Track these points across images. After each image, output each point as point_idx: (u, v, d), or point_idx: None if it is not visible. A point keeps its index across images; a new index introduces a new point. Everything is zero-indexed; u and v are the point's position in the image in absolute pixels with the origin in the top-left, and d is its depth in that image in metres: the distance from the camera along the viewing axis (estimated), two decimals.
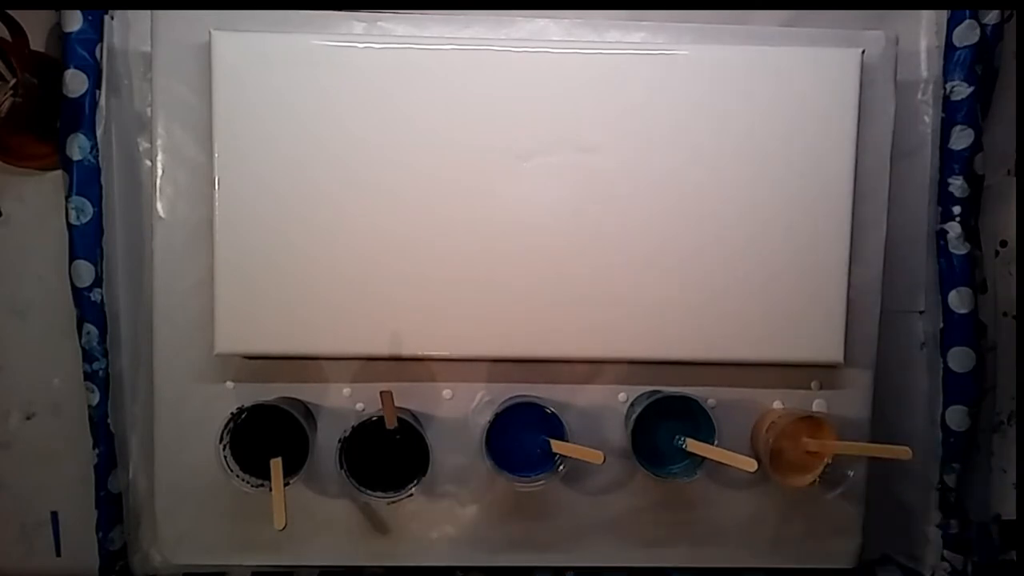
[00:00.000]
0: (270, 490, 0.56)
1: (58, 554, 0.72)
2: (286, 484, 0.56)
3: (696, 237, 0.61)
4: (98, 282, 0.66)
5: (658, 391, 0.62)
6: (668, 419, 0.62)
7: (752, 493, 0.66)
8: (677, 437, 0.61)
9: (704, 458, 0.59)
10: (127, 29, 0.67)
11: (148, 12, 0.63)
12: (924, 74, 0.70)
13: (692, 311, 0.62)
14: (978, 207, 0.70)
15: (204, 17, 0.61)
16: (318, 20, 0.63)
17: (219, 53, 0.59)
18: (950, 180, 0.68)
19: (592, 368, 0.65)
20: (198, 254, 0.62)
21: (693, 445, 0.59)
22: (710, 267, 0.61)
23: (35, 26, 0.66)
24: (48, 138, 0.66)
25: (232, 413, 0.58)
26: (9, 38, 0.62)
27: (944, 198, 0.69)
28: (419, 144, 0.60)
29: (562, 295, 0.61)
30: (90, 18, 0.65)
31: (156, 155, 0.63)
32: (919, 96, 0.70)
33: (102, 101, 0.66)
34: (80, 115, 0.65)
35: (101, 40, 0.65)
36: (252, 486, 0.58)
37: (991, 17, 0.67)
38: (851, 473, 0.61)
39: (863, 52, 0.61)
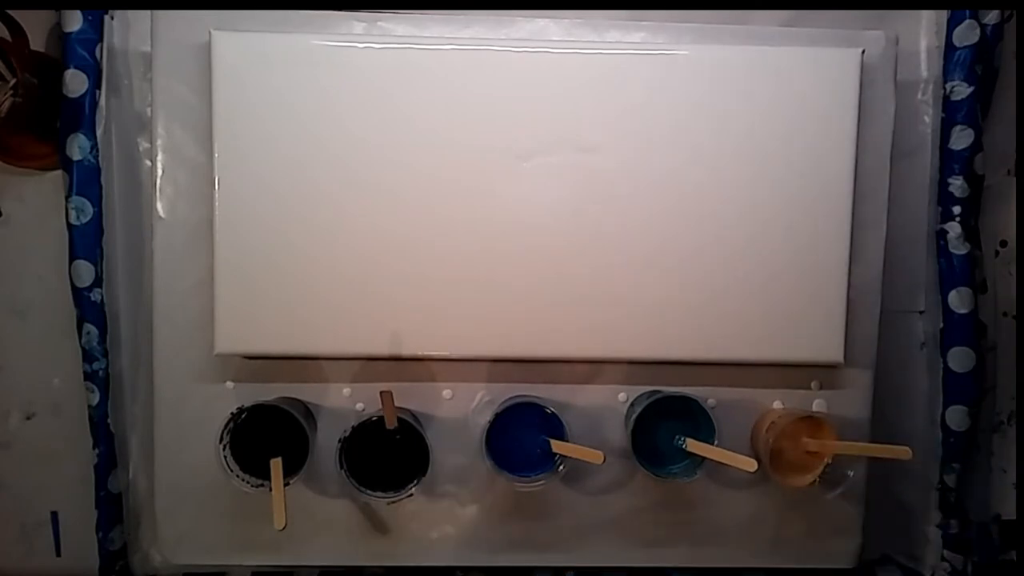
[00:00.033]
0: (270, 490, 0.56)
1: (58, 554, 0.72)
2: (286, 484, 0.56)
3: (696, 237, 0.61)
4: (98, 282, 0.66)
5: (658, 391, 0.62)
6: (668, 419, 0.62)
7: (752, 493, 0.66)
8: (677, 437, 0.61)
9: (704, 458, 0.59)
10: (127, 29, 0.67)
11: (148, 12, 0.63)
12: (924, 74, 0.70)
13: (692, 311, 0.62)
14: (978, 207, 0.70)
15: (204, 17, 0.61)
16: (318, 20, 0.63)
17: (219, 53, 0.59)
18: (950, 180, 0.68)
19: (592, 368, 0.65)
20: (198, 254, 0.62)
21: (693, 445, 0.59)
22: (710, 267, 0.61)
23: (35, 26, 0.66)
24: (48, 138, 0.66)
25: (232, 413, 0.58)
26: (9, 38, 0.62)
27: (944, 198, 0.69)
28: (419, 144, 0.60)
29: (562, 295, 0.61)
30: (90, 18, 0.65)
31: (156, 155, 0.63)
32: (919, 96, 0.70)
33: (102, 101, 0.66)
34: (80, 115, 0.65)
35: (101, 40, 0.65)
36: (252, 486, 0.58)
37: (991, 17, 0.67)
38: (851, 473, 0.61)
39: (863, 52, 0.61)
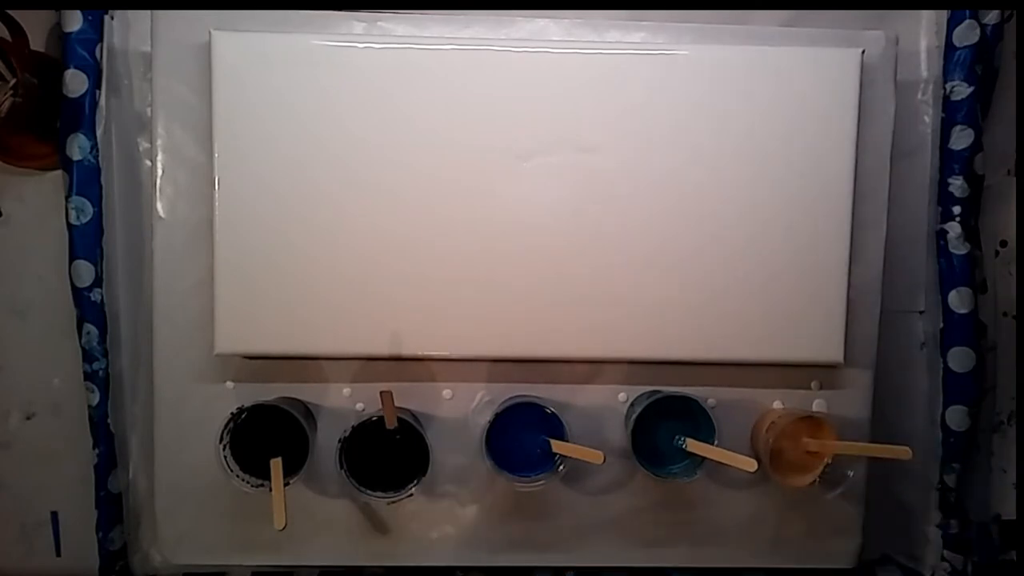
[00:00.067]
0: (270, 490, 0.56)
1: (58, 554, 0.72)
2: (286, 484, 0.56)
3: (696, 237, 0.61)
4: (98, 282, 0.66)
5: (658, 391, 0.62)
6: (668, 419, 0.62)
7: (752, 493, 0.66)
8: (677, 437, 0.61)
9: (704, 458, 0.59)
10: (127, 29, 0.67)
11: (148, 12, 0.63)
12: (924, 74, 0.70)
13: (692, 311, 0.62)
14: (978, 207, 0.70)
15: (204, 17, 0.61)
16: (318, 20, 0.63)
17: (219, 53, 0.59)
18: (950, 180, 0.68)
19: (592, 368, 0.65)
20: (198, 254, 0.62)
21: (693, 445, 0.59)
22: (710, 267, 0.61)
23: (35, 26, 0.66)
24: (48, 138, 0.66)
25: (232, 413, 0.58)
26: (9, 38, 0.62)
27: (944, 198, 0.69)
28: (419, 144, 0.60)
29: (562, 295, 0.61)
30: (90, 18, 0.65)
31: (156, 155, 0.63)
32: (919, 96, 0.70)
33: (102, 101, 0.66)
34: (80, 115, 0.65)
35: (101, 40, 0.65)
36: (252, 486, 0.58)
37: (991, 17, 0.67)
38: (851, 473, 0.61)
39: (863, 52, 0.61)
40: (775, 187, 0.61)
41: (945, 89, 0.68)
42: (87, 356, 0.66)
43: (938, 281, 0.69)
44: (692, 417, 0.61)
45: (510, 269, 0.61)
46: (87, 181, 0.65)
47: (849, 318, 0.62)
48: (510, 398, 0.63)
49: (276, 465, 0.56)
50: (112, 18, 0.66)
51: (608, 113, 0.61)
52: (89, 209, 0.65)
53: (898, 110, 0.65)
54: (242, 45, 0.60)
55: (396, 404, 0.57)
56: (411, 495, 0.59)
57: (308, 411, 0.64)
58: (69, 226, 0.65)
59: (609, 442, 0.64)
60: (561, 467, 0.60)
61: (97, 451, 0.68)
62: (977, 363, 0.68)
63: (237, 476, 0.58)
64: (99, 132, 0.66)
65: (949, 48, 0.68)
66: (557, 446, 0.59)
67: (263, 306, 0.60)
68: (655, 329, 0.62)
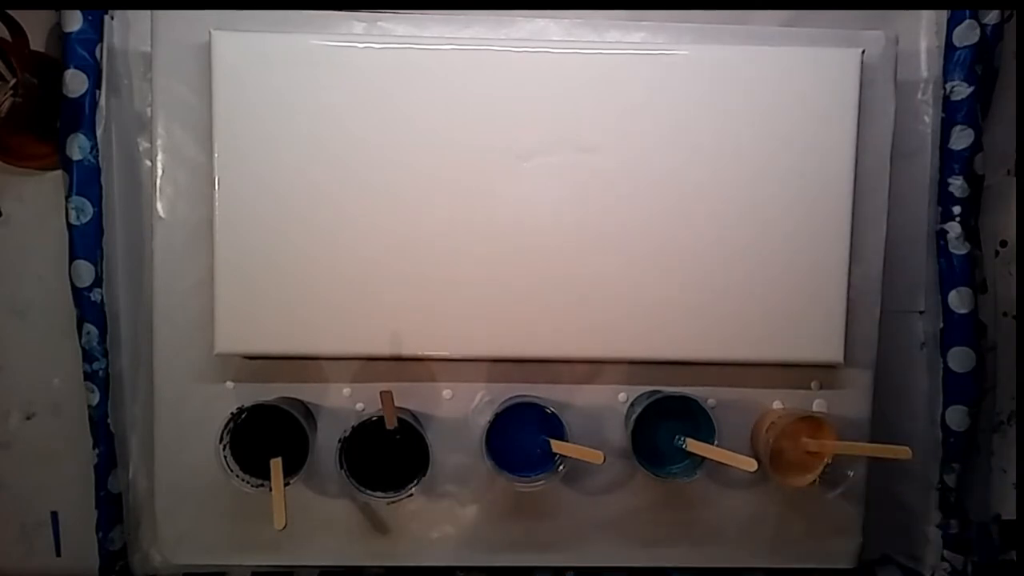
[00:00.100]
0: (270, 490, 0.56)
1: (58, 554, 0.72)
2: (286, 484, 0.56)
3: (696, 237, 0.61)
4: (98, 282, 0.66)
5: (658, 391, 0.62)
6: (668, 419, 0.62)
7: (752, 493, 0.66)
8: (677, 437, 0.61)
9: (704, 458, 0.59)
10: (127, 29, 0.67)
11: (148, 12, 0.63)
12: (924, 74, 0.70)
13: (692, 311, 0.62)
14: (978, 207, 0.70)
15: (204, 17, 0.61)
16: (318, 20, 0.63)
17: (219, 53, 0.59)
18: (950, 180, 0.68)
19: (592, 368, 0.65)
20: (198, 254, 0.62)
21: (693, 445, 0.59)
22: (710, 267, 0.61)
23: (35, 26, 0.66)
24: (48, 138, 0.66)
25: (232, 413, 0.58)
26: (9, 38, 0.62)
27: (944, 198, 0.69)
28: (419, 144, 0.60)
29: (562, 295, 0.61)
30: (90, 18, 0.65)
31: (156, 155, 0.63)
32: (919, 96, 0.70)
33: (102, 101, 0.66)
34: (80, 115, 0.65)
35: (101, 40, 0.65)
36: (252, 486, 0.58)
37: (991, 17, 0.67)
38: (851, 473, 0.61)
39: (863, 52, 0.61)
40: (775, 187, 0.61)
41: (945, 89, 0.68)
42: (87, 356, 0.66)
43: (938, 281, 0.69)
44: (692, 417, 0.61)
45: (510, 269, 0.61)
46: (87, 181, 0.65)
47: (849, 318, 0.62)
48: (510, 398, 0.63)
49: (276, 465, 0.56)
50: (112, 18, 0.66)
51: (608, 113, 0.61)
52: (89, 209, 0.65)
53: (898, 110, 0.65)
54: (242, 45, 0.60)
55: (396, 404, 0.57)
56: (411, 495, 0.59)
57: (308, 411, 0.64)
58: (69, 226, 0.65)
59: (609, 442, 0.64)
60: (561, 467, 0.60)
61: (97, 451, 0.68)
62: (977, 363, 0.68)
63: (237, 476, 0.58)
64: (99, 132, 0.66)
65: (949, 48, 0.68)
66: (557, 446, 0.59)
67: (263, 306, 0.60)
68: (655, 329, 0.62)
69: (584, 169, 0.61)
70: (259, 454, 0.58)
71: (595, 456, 0.57)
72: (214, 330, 0.60)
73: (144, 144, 0.68)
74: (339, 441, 0.59)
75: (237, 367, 0.64)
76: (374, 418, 0.59)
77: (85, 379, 0.67)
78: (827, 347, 0.62)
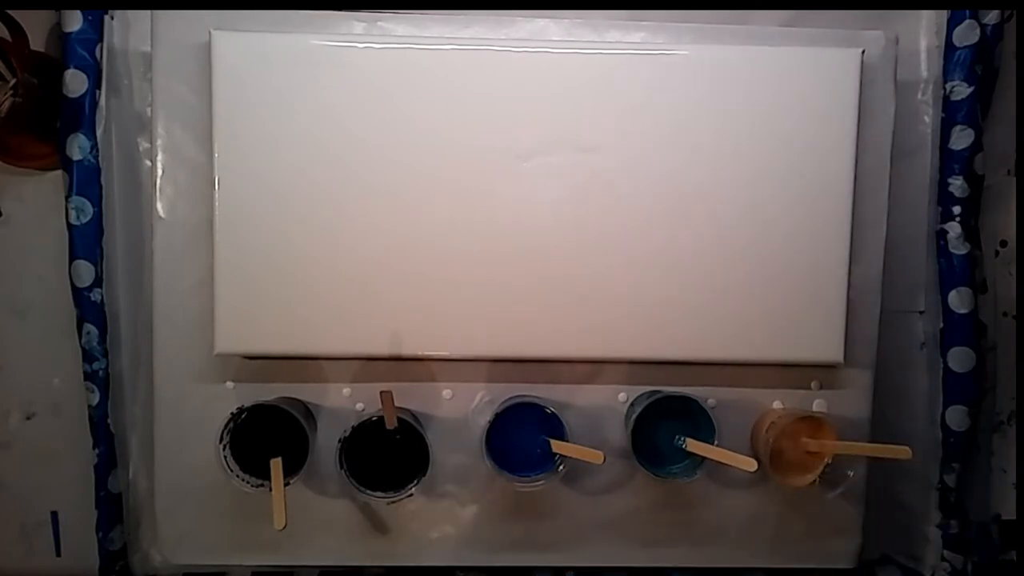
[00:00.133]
0: (270, 490, 0.56)
1: (58, 554, 0.72)
2: (286, 484, 0.56)
3: (696, 237, 0.61)
4: (98, 282, 0.66)
5: (658, 391, 0.62)
6: (668, 419, 0.61)
7: (752, 493, 0.66)
8: (677, 437, 0.61)
9: (704, 458, 0.59)
10: (127, 29, 0.67)
11: (148, 12, 0.63)
12: (924, 74, 0.70)
13: (692, 311, 0.62)
14: (978, 207, 0.70)
15: (204, 17, 0.61)
16: (318, 20, 0.63)
17: (219, 53, 0.59)
18: (950, 180, 0.68)
19: (592, 368, 0.65)
20: (198, 254, 0.62)
21: (693, 445, 0.59)
22: (710, 267, 0.61)
23: (35, 26, 0.66)
24: (48, 138, 0.66)
25: (232, 413, 0.58)
26: (9, 38, 0.62)
27: (944, 198, 0.69)
28: (419, 144, 0.60)
29: (562, 295, 0.61)
30: (90, 18, 0.65)
31: (156, 155, 0.63)
32: (919, 96, 0.70)
33: (102, 101, 0.66)
34: (80, 115, 0.65)
35: (101, 40, 0.65)
36: (252, 486, 0.58)
37: (991, 17, 0.67)
38: (851, 473, 0.61)
39: (863, 52, 0.61)
40: (775, 187, 0.61)
41: (945, 89, 0.68)
42: (87, 356, 0.66)
43: (938, 281, 0.69)
44: (692, 417, 0.61)
45: (510, 269, 0.61)
46: (87, 181, 0.65)
47: (849, 318, 0.62)
48: (510, 398, 0.63)
49: (276, 465, 0.56)
50: (112, 18, 0.66)
51: (608, 113, 0.61)
52: (89, 209, 0.65)
53: (898, 110, 0.65)
54: (242, 45, 0.60)
55: (396, 404, 0.57)
56: (411, 495, 0.59)
57: (308, 411, 0.64)
58: (69, 226, 0.65)
59: (609, 442, 0.64)
60: (561, 467, 0.60)
61: (97, 451, 0.68)
62: (977, 363, 0.68)
63: (237, 476, 0.58)
64: (99, 132, 0.66)
65: (949, 48, 0.68)
66: (557, 446, 0.59)
67: (263, 306, 0.60)
68: (655, 329, 0.62)
69: (584, 169, 0.61)
70: (259, 454, 0.58)
71: (595, 456, 0.57)
72: (214, 330, 0.60)
73: (144, 144, 0.68)
74: (339, 441, 0.59)
75: (237, 367, 0.64)
76: (374, 418, 0.59)
77: (85, 379, 0.67)
78: (827, 347, 0.62)
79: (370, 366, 0.64)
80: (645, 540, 0.67)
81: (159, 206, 0.63)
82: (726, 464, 0.58)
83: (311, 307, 0.61)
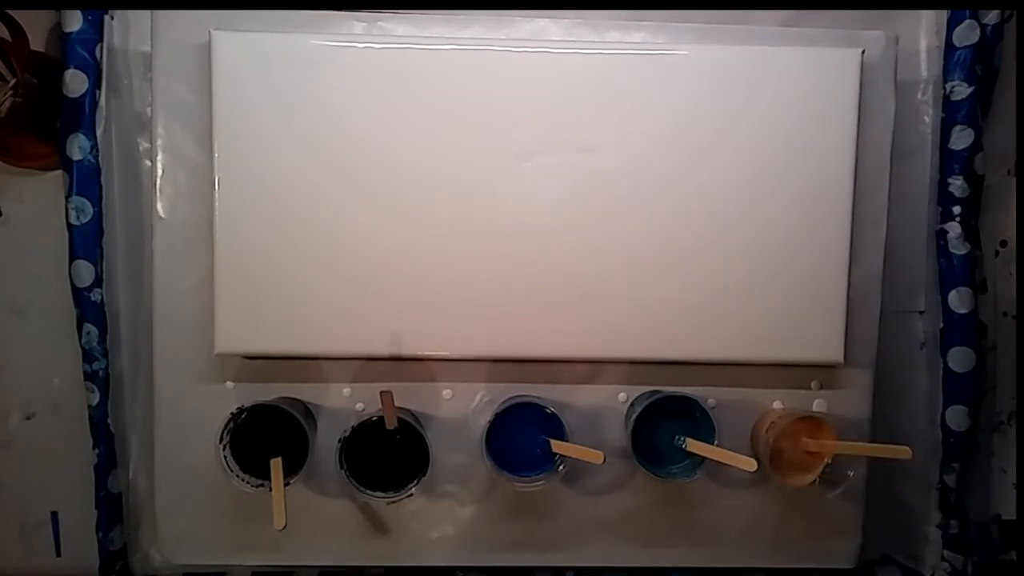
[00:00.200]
0: (270, 490, 0.56)
1: (58, 554, 0.72)
2: (286, 484, 0.56)
3: (696, 237, 0.61)
4: (98, 282, 0.66)
5: (658, 391, 0.62)
6: (668, 419, 0.62)
7: (752, 493, 0.66)
8: (677, 437, 0.61)
9: (704, 458, 0.59)
10: (127, 29, 0.67)
11: (148, 12, 0.63)
12: (924, 74, 0.70)
13: (692, 311, 0.62)
14: (978, 207, 0.70)
15: (204, 17, 0.61)
16: (318, 20, 0.63)
17: (219, 53, 0.59)
18: (950, 180, 0.68)
19: (592, 368, 0.65)
20: (198, 254, 0.62)
21: (693, 445, 0.59)
22: (710, 267, 0.61)
23: (35, 26, 0.66)
24: (48, 138, 0.66)
25: (232, 413, 0.58)
26: (9, 38, 0.62)
27: (944, 198, 0.69)
28: (419, 144, 0.60)
29: (562, 295, 0.61)
30: (90, 18, 0.65)
31: (156, 155, 0.63)
32: (919, 96, 0.70)
33: (102, 101, 0.66)
34: (80, 115, 0.65)
35: (101, 40, 0.65)
36: (252, 486, 0.58)
37: (991, 17, 0.67)
38: (851, 473, 0.61)
39: (863, 52, 0.61)
40: (775, 187, 0.61)
41: (945, 89, 0.68)
42: (87, 356, 0.66)
43: (938, 281, 0.69)
44: (692, 417, 0.61)
45: (510, 269, 0.61)
46: (87, 181, 0.65)
47: (849, 318, 0.62)
48: (510, 398, 0.63)
49: (276, 465, 0.56)
50: (112, 18, 0.66)
51: (608, 113, 0.61)
52: (89, 209, 0.65)
53: (898, 110, 0.65)
54: (242, 45, 0.60)
55: (396, 404, 0.57)
56: (411, 495, 0.59)
57: (308, 411, 0.64)
58: (69, 226, 0.65)
59: (609, 442, 0.64)
60: (561, 467, 0.60)
61: (97, 451, 0.68)
62: (977, 363, 0.68)
63: (237, 476, 0.58)
64: (99, 132, 0.66)
65: (949, 48, 0.68)
66: (557, 446, 0.59)
67: (263, 306, 0.60)
68: (655, 329, 0.62)
69: (584, 169, 0.61)
70: (259, 454, 0.58)
71: (595, 456, 0.57)
72: (214, 330, 0.60)
73: (144, 144, 0.68)
74: (339, 441, 0.59)
75: (237, 367, 0.64)
76: (374, 418, 0.59)
77: (85, 379, 0.67)
78: (827, 347, 0.62)
79: (370, 366, 0.64)
80: (645, 540, 0.67)
81: (159, 206, 0.63)
82: (726, 464, 0.58)
83: (311, 307, 0.61)
